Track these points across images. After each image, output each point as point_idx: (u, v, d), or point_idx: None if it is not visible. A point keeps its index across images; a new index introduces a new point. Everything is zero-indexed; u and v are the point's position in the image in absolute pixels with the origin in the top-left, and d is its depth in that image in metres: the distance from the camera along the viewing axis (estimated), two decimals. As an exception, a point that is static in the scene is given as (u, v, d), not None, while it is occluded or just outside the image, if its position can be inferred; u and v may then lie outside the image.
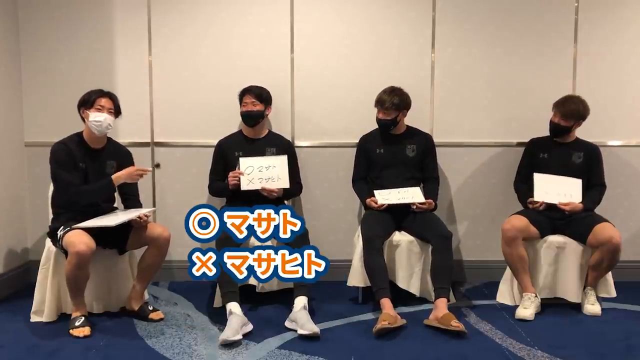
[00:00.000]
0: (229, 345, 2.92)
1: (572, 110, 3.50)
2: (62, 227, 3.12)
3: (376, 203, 3.49)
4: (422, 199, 3.50)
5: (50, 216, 3.35)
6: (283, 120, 3.92)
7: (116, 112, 3.29)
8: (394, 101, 3.51)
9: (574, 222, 3.46)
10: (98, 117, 3.18)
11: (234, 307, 3.11)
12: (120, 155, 3.38)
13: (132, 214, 3.19)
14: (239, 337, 2.97)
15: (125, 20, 3.88)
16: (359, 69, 3.92)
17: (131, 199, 3.42)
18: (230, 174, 3.51)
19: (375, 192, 3.55)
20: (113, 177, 3.18)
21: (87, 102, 3.22)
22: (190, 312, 3.41)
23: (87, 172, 3.23)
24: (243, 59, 3.90)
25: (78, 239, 3.00)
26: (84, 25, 3.88)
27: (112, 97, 3.28)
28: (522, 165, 3.74)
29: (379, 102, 3.55)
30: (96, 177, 3.24)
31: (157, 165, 3.29)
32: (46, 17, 3.87)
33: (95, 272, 3.25)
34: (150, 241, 3.25)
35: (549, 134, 3.64)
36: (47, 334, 3.07)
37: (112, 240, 3.25)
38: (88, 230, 3.07)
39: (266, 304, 3.49)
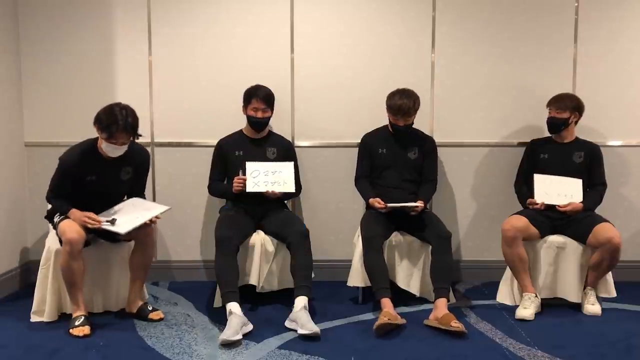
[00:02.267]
0: (229, 345, 2.92)
1: (564, 101, 3.52)
2: (58, 213, 3.18)
3: (380, 203, 3.45)
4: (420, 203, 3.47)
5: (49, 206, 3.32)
6: (283, 120, 3.91)
7: (134, 138, 3.15)
8: (416, 107, 3.49)
9: (574, 222, 3.46)
10: (109, 148, 3.11)
11: (234, 307, 3.10)
12: (136, 160, 3.30)
13: (143, 217, 3.17)
14: (239, 337, 2.97)
15: (125, 20, 3.88)
16: (358, 68, 3.91)
17: (136, 195, 3.39)
18: (235, 179, 3.47)
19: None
20: (69, 212, 3.13)
21: (104, 129, 3.05)
22: (190, 312, 3.41)
23: (100, 182, 3.19)
24: (243, 59, 3.90)
25: (70, 227, 3.06)
26: (83, 26, 3.87)
27: (131, 132, 3.09)
28: (523, 166, 3.73)
29: (401, 110, 3.45)
30: (110, 185, 3.23)
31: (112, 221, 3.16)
32: (46, 17, 3.86)
33: (95, 272, 3.25)
34: (136, 238, 3.26)
35: (548, 135, 3.64)
36: (47, 334, 3.08)
37: (105, 232, 3.21)
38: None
39: (266, 304, 3.49)
